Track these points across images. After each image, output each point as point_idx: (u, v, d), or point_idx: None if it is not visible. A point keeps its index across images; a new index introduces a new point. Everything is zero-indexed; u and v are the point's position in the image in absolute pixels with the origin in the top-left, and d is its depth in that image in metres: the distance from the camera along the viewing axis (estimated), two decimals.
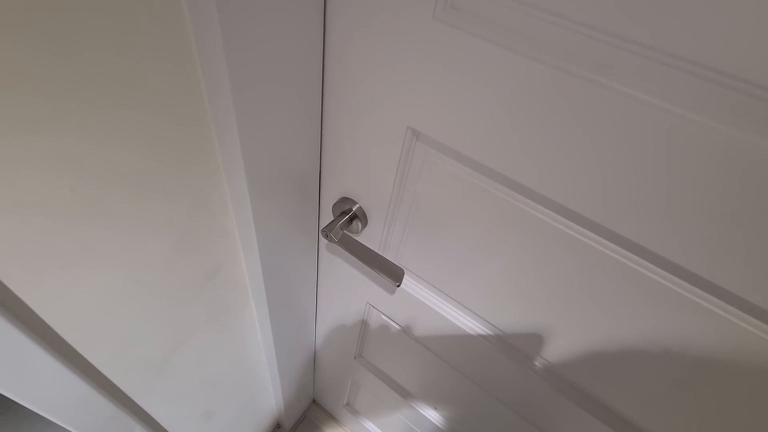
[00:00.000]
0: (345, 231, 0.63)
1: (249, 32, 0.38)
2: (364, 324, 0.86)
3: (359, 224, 0.63)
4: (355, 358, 0.98)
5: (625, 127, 0.33)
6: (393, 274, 0.56)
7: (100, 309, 0.46)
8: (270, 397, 1.12)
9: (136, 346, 0.55)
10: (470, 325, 0.63)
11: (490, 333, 0.61)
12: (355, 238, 0.65)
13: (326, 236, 0.58)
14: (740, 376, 0.40)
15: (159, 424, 0.70)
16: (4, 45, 0.27)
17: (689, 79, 0.29)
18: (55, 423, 0.49)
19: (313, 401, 1.41)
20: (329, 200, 0.66)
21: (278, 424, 1.35)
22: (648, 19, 0.29)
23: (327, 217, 0.69)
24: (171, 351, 0.62)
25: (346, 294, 0.82)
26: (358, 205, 0.62)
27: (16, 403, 0.41)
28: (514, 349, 0.60)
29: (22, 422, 1.26)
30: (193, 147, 0.44)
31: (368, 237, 0.65)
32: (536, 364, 0.59)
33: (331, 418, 1.38)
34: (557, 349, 0.54)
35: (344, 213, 0.63)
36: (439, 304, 0.65)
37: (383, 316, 0.78)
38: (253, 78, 0.41)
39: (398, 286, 0.56)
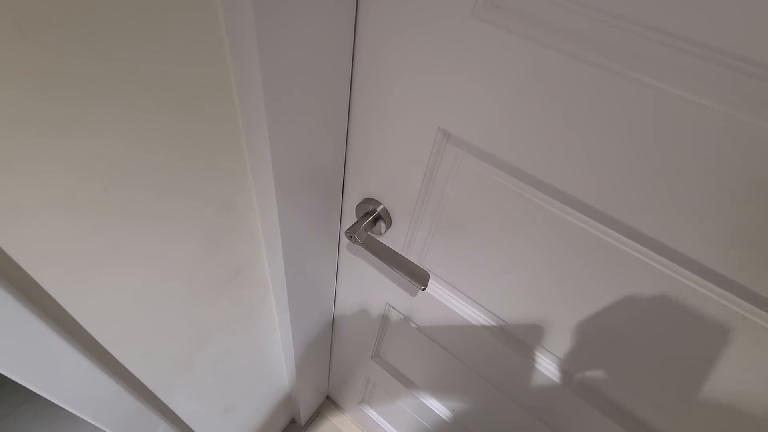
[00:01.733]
0: (369, 232, 0.62)
1: (282, 35, 0.37)
2: (382, 324, 0.85)
3: (383, 225, 0.62)
4: (372, 357, 0.98)
5: (662, 129, 0.32)
6: (418, 278, 0.55)
7: (129, 309, 0.47)
8: (286, 392, 1.12)
9: (163, 345, 0.55)
10: (493, 329, 0.62)
11: (515, 339, 0.60)
12: (379, 239, 0.64)
13: (350, 237, 0.57)
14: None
15: (182, 420, 0.71)
16: (40, 49, 0.27)
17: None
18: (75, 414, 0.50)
19: (327, 397, 1.42)
20: (353, 201, 0.65)
21: (293, 419, 1.36)
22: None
23: (349, 217, 0.68)
24: (195, 349, 0.62)
25: (365, 294, 0.82)
26: (382, 206, 0.61)
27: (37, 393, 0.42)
28: (538, 355, 0.59)
29: (43, 411, 1.29)
30: (222, 148, 0.44)
31: (391, 238, 0.64)
32: (560, 368, 0.57)
33: (345, 414, 1.39)
34: (585, 356, 0.52)
35: (368, 214, 0.62)
36: (462, 307, 0.64)
37: (403, 318, 0.78)
38: (284, 80, 0.41)
39: (423, 289, 0.56)
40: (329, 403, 1.41)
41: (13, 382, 0.39)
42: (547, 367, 0.58)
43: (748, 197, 0.31)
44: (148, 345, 0.53)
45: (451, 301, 0.65)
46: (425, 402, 0.94)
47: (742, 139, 0.29)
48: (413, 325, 0.77)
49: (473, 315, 0.63)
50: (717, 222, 0.33)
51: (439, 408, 0.92)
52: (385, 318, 0.83)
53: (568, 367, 0.56)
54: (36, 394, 0.42)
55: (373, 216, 0.62)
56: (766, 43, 0.26)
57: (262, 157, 0.46)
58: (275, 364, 0.93)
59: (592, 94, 0.34)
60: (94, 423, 0.52)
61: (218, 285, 0.58)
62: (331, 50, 0.44)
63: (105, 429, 0.54)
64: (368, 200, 0.62)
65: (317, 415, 1.40)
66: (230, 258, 0.56)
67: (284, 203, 0.52)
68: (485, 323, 0.62)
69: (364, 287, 0.80)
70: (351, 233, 0.57)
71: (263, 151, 0.45)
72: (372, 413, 1.24)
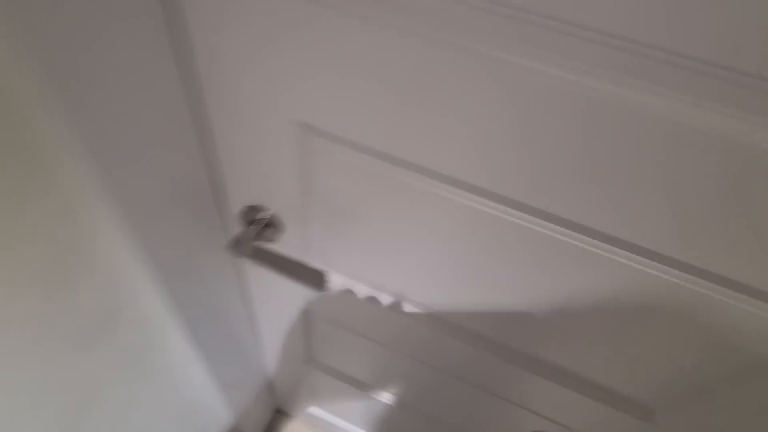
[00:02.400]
0: (260, 241, 0.57)
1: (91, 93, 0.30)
2: (305, 328, 0.82)
3: (275, 231, 0.58)
4: (305, 362, 0.94)
5: (512, 96, 0.31)
6: (314, 281, 0.52)
7: None
8: (225, 421, 1.05)
9: (26, 425, 0.46)
10: (407, 310, 0.61)
11: (427, 314, 0.60)
12: (273, 246, 0.60)
13: (233, 252, 0.52)
14: (652, 317, 0.42)
15: None
16: None
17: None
18: None
19: (277, 410, 1.36)
20: (236, 211, 0.59)
21: None
22: None
23: (239, 229, 0.62)
24: (77, 416, 0.53)
25: (279, 302, 0.77)
26: (270, 212, 0.56)
27: None
28: (451, 325, 0.60)
29: None
30: (33, 184, 0.36)
31: (288, 243, 0.60)
32: (473, 334, 0.59)
33: (297, 421, 1.35)
34: (491, 319, 0.54)
35: (257, 222, 0.57)
36: (376, 297, 0.63)
37: (322, 319, 0.75)
38: (105, 136, 0.34)
39: (322, 291, 0.53)
40: (280, 415, 1.36)
41: None
42: (465, 336, 0.59)
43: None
44: (6, 429, 0.44)
45: (362, 292, 0.63)
46: (370, 393, 0.93)
47: (611, 108, 0.29)
48: (334, 323, 0.74)
49: (389, 303, 0.62)
50: (599, 186, 0.34)
51: (384, 396, 0.92)
52: (305, 322, 0.79)
53: (486, 332, 0.57)
54: None
55: (262, 223, 0.57)
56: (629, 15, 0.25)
57: (97, 191, 0.38)
58: (201, 398, 0.86)
59: (445, 74, 0.32)
60: None
61: (87, 337, 0.49)
62: (146, 75, 0.38)
63: None
64: (253, 207, 0.57)
65: (270, 430, 1.34)
66: (93, 304, 0.48)
67: (145, 232, 0.45)
68: (404, 310, 0.61)
69: (277, 296, 0.75)
70: (233, 246, 0.52)
71: (95, 184, 0.37)
72: (323, 414, 1.22)
